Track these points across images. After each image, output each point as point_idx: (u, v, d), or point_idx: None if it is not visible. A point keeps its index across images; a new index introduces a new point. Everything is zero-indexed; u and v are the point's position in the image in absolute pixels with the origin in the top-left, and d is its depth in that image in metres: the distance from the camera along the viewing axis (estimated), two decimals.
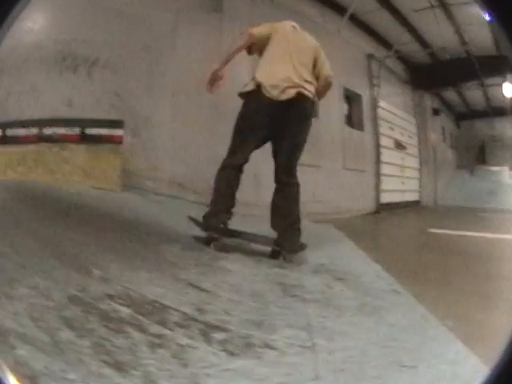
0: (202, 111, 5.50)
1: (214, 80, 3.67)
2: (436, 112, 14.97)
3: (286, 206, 3.76)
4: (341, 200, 8.35)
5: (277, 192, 3.81)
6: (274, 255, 3.68)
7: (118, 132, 5.16)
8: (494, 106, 18.83)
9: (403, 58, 12.41)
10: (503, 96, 15.83)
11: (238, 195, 3.80)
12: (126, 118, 5.31)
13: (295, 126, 3.68)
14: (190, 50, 5.53)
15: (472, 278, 4.34)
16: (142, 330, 1.90)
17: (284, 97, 3.47)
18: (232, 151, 3.66)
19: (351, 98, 9.49)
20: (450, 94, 16.99)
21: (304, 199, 6.61)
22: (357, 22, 9.71)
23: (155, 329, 1.94)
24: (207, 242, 3.51)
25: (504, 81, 14.40)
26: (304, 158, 6.58)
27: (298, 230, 3.73)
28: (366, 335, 2.52)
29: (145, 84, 5.39)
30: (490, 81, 14.91)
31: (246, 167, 3.80)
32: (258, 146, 3.75)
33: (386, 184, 10.60)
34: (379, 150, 10.27)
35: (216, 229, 3.52)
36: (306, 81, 3.63)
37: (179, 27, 5.42)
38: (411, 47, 11.48)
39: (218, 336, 2.03)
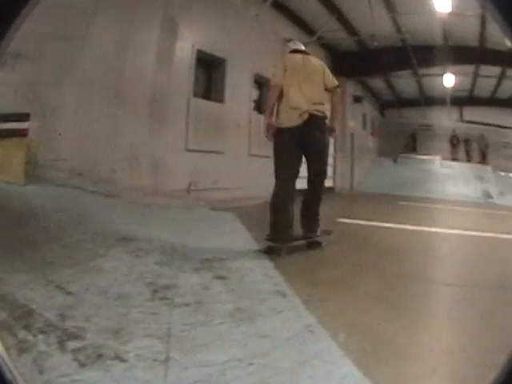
0: (104, 100, 6.05)
1: (269, 129, 4.98)
2: (357, 99, 16.30)
3: (314, 204, 5.09)
4: (245, 187, 8.88)
5: (309, 192, 5.11)
6: (311, 246, 4.96)
7: (23, 125, 5.57)
8: (428, 95, 20.70)
9: (326, 45, 13.32)
10: (442, 86, 17.79)
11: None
12: (37, 110, 5.84)
13: (316, 140, 4.79)
14: (101, 40, 6.08)
15: (378, 278, 4.36)
16: (13, 334, 2.10)
17: (300, 121, 4.65)
18: (279, 177, 4.98)
19: (262, 84, 9.93)
20: (377, 82, 18.56)
21: (205, 186, 7.58)
22: (280, 7, 10.35)
23: (22, 334, 2.13)
24: (275, 251, 4.58)
25: (444, 71, 16.18)
26: (206, 144, 7.55)
27: (318, 221, 5.07)
28: (232, 349, 2.45)
29: (56, 74, 5.85)
30: (424, 71, 16.60)
31: None
32: (298, 165, 4.96)
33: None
34: None
35: (285, 240, 4.67)
36: (315, 103, 4.75)
37: (95, 18, 5.91)
38: (337, 34, 12.40)
39: (73, 345, 2.14)
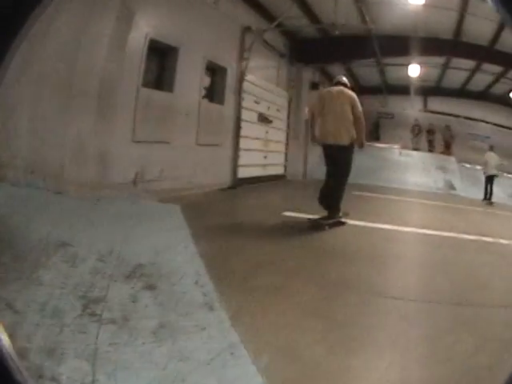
0: (55, 95, 6.17)
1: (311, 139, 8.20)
2: (315, 86, 16.84)
3: (332, 196, 7.30)
4: (193, 176, 9.45)
5: (327, 187, 7.32)
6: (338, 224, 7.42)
7: None
8: (391, 84, 21.92)
9: (286, 32, 14.01)
10: (407, 76, 18.82)
11: None
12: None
13: (333, 156, 7.20)
14: (59, 36, 6.31)
15: (315, 286, 4.50)
16: None
17: (328, 142, 7.11)
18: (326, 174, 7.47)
19: (215, 71, 10.69)
20: (337, 69, 18.79)
21: (152, 176, 8.05)
22: None
23: None
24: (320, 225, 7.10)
25: (411, 61, 17.00)
26: (153, 134, 8.05)
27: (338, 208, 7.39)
28: (151, 372, 2.53)
29: (15, 73, 6.13)
30: (390, 60, 17.49)
31: None
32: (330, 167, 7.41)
33: (246, 158, 12.11)
34: (239, 124, 11.73)
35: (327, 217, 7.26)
36: (341, 130, 7.02)
37: (57, 13, 6.18)
38: (298, 21, 12.95)
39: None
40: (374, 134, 23.67)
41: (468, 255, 7.20)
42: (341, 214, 7.62)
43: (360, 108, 7.29)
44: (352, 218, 8.32)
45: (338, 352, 3.21)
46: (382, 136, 23.43)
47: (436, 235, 8.40)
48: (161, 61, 8.64)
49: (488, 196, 16.35)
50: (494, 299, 4.91)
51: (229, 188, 11.33)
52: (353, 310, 4.07)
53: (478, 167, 20.23)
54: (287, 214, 8.60)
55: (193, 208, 7.69)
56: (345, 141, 7.10)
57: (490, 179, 16.59)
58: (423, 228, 8.78)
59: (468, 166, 21.18)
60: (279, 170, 15.42)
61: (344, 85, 7.51)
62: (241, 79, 11.56)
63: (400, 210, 12.23)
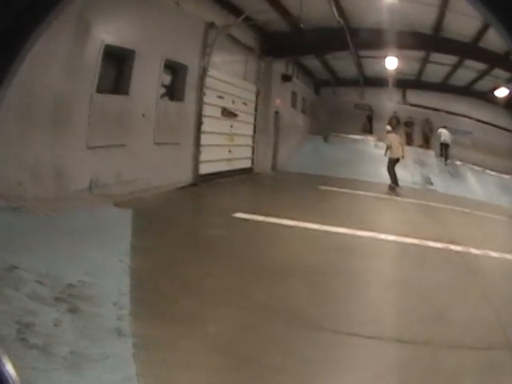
0: (13, 116, 6.63)
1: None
2: (287, 78, 18.28)
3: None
4: (151, 176, 10.21)
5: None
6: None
7: None
8: (369, 76, 23.20)
9: (256, 26, 15.21)
10: (385, 68, 20.10)
11: None
12: None
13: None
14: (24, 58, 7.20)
15: (237, 312, 4.68)
16: None
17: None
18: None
19: (176, 69, 11.65)
20: (312, 62, 20.61)
21: (108, 181, 8.91)
22: None
23: None
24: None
25: (389, 54, 18.20)
26: (108, 139, 9.03)
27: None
28: None
29: None
30: (367, 52, 18.89)
31: None
32: None
33: (208, 154, 13.08)
34: (201, 120, 12.69)
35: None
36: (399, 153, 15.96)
37: None
38: (267, 16, 13.98)
39: None
40: (367, 127, 25.39)
41: (429, 271, 7.32)
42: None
43: None
44: (306, 220, 8.89)
45: None
46: (354, 127, 24.78)
47: (398, 242, 8.70)
48: (118, 65, 9.54)
49: (444, 158, 22.18)
50: (446, 335, 4.90)
51: (190, 185, 12.24)
52: (269, 345, 4.19)
53: (459, 162, 22.53)
54: (238, 215, 9.21)
55: (144, 212, 8.30)
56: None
57: (443, 146, 22.27)
58: (385, 233, 9.10)
59: (448, 160, 22.62)
60: (246, 164, 16.48)
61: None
62: (202, 75, 12.55)
63: (365, 209, 12.83)
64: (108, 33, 8.77)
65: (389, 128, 19.61)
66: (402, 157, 17.75)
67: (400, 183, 18.57)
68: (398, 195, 16.37)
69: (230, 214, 9.28)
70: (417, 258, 8.11)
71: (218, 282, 5.66)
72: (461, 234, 10.44)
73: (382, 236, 8.98)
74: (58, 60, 7.48)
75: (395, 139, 18.12)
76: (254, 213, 9.58)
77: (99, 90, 8.74)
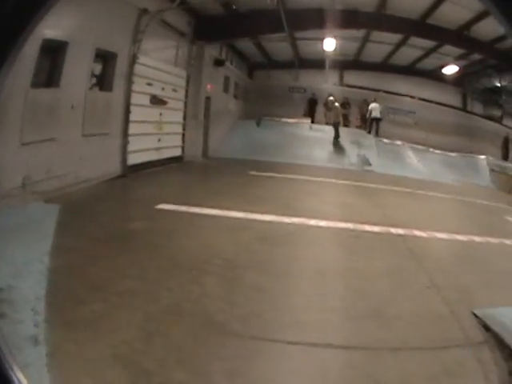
0: None
1: None
2: (219, 62, 19.27)
3: None
4: (80, 170, 10.80)
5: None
6: None
7: None
8: (305, 58, 24.70)
9: (190, 10, 16.09)
10: (322, 50, 21.36)
11: None
12: None
13: None
14: None
15: (140, 319, 4.79)
16: None
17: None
18: None
19: (106, 58, 12.27)
20: (246, 45, 21.75)
21: (39, 177, 9.25)
22: None
23: None
24: None
25: (324, 35, 19.37)
26: (40, 133, 9.54)
27: None
28: None
29: None
30: (303, 34, 19.99)
31: None
32: None
33: (136, 144, 13.80)
34: (129, 109, 13.36)
35: None
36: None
37: None
38: None
39: None
40: (307, 111, 26.84)
41: (366, 259, 7.27)
42: None
43: None
44: (231, 209, 9.23)
45: None
46: (292, 111, 25.94)
47: (330, 228, 8.86)
48: (51, 58, 10.10)
49: (374, 133, 24.33)
50: (388, 336, 4.79)
51: (119, 177, 12.98)
52: (173, 357, 4.26)
53: (399, 142, 23.94)
54: (161, 206, 9.65)
55: (70, 208, 8.68)
56: None
57: (374, 121, 24.36)
58: (316, 218, 9.32)
59: (386, 141, 24.02)
60: (176, 152, 17.37)
61: None
62: (132, 63, 13.27)
63: (296, 193, 13.11)
64: (46, 27, 9.21)
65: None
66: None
67: (335, 165, 20.41)
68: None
69: (153, 205, 9.67)
70: (351, 244, 8.01)
71: (130, 283, 5.78)
72: (402, 216, 10.80)
73: (312, 222, 9.10)
74: None
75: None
76: (178, 203, 9.95)
77: (33, 85, 9.28)
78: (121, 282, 5.80)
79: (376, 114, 24.26)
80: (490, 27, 14.99)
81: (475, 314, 5.33)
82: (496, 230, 10.73)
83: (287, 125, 24.72)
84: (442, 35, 17.98)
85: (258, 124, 24.53)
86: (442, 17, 16.48)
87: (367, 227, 8.91)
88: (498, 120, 25.69)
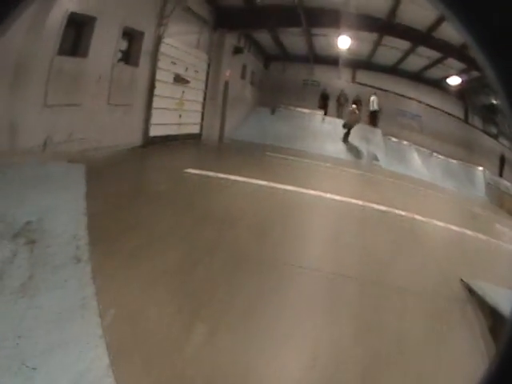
0: None
1: None
2: (238, 50, 18.75)
3: None
4: (103, 136, 10.57)
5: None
6: None
7: None
8: (319, 54, 23.65)
9: (210, 1, 15.75)
10: (336, 47, 20.45)
11: None
12: None
13: None
14: None
15: (186, 250, 4.95)
16: None
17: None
18: None
19: (133, 36, 12.01)
20: (263, 36, 20.99)
21: (61, 139, 9.28)
22: None
23: None
24: None
25: (339, 34, 18.63)
26: (65, 98, 9.32)
27: None
28: (6, 325, 3.08)
29: None
30: (318, 30, 19.23)
31: None
32: None
33: (159, 117, 13.46)
34: (154, 84, 13.04)
35: None
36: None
37: None
38: None
39: None
40: (321, 103, 25.62)
41: (373, 227, 7.73)
42: None
43: None
44: (255, 177, 9.27)
45: (185, 311, 3.77)
46: (306, 102, 24.89)
47: (343, 202, 9.08)
48: (79, 30, 9.82)
49: (373, 125, 23.66)
50: (390, 280, 5.24)
51: (140, 147, 12.63)
52: (216, 278, 4.48)
53: (405, 142, 23.08)
54: (189, 170, 9.59)
55: (96, 168, 8.48)
56: None
57: (373, 114, 23.73)
58: (330, 193, 9.48)
59: (394, 139, 23.15)
60: (195, 129, 16.91)
61: None
62: (158, 42, 12.91)
63: (312, 173, 13.46)
64: (73, 1, 9.03)
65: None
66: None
67: (346, 157, 19.76)
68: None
69: (181, 169, 9.57)
70: (361, 216, 8.35)
71: (165, 227, 5.88)
72: (406, 202, 10.92)
73: (328, 195, 9.29)
74: (24, 24, 7.62)
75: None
76: (203, 169, 9.84)
77: (60, 53, 9.00)
78: (157, 225, 5.89)
79: (375, 106, 23.78)
80: None
81: (462, 280, 5.74)
82: (486, 230, 10.75)
83: (301, 115, 23.83)
84: (445, 48, 17.46)
85: (272, 112, 23.78)
86: (445, 32, 15.85)
87: (374, 205, 9.11)
88: (495, 137, 24.51)
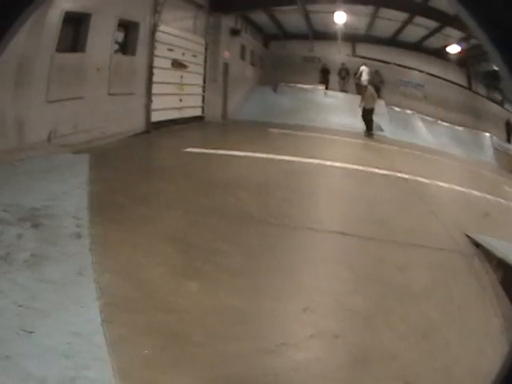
0: None
1: None
2: (235, 32, 19.26)
3: None
4: (106, 126, 11.07)
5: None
6: None
7: None
8: (317, 30, 24.01)
9: None
10: (333, 22, 21.10)
11: None
12: None
13: None
14: None
15: (182, 214, 5.28)
16: None
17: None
18: None
19: (129, 27, 12.54)
20: (261, 16, 21.57)
21: (66, 132, 9.92)
22: None
23: None
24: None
25: (335, 9, 19.45)
26: (67, 92, 9.95)
27: None
28: (12, 292, 3.38)
29: None
30: (314, 7, 19.91)
31: None
32: None
33: (159, 103, 13.98)
34: (152, 71, 13.54)
35: None
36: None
37: None
38: None
39: None
40: (322, 78, 25.66)
41: (374, 189, 7.92)
42: None
43: None
44: (255, 151, 9.54)
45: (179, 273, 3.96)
46: (308, 78, 25.13)
47: (344, 168, 9.36)
48: (76, 28, 10.39)
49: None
50: (392, 235, 5.37)
51: (143, 132, 13.12)
52: (218, 236, 4.75)
53: (409, 111, 23.33)
54: (190, 150, 9.97)
55: (101, 156, 8.87)
56: None
57: (364, 87, 22.79)
58: (332, 161, 9.76)
59: (398, 109, 23.33)
60: (197, 112, 17.48)
61: None
62: (153, 31, 13.44)
63: (314, 145, 13.74)
64: (67, 1, 9.56)
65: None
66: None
67: (350, 129, 19.44)
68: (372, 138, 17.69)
69: (181, 149, 9.96)
70: (363, 179, 8.54)
71: (170, 194, 6.30)
72: (409, 167, 10.98)
73: (328, 163, 9.52)
74: (24, 26, 8.24)
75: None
76: (205, 148, 10.29)
77: (58, 50, 9.57)
78: (162, 194, 6.27)
79: (365, 78, 23.58)
80: None
81: (467, 235, 5.77)
82: (494, 191, 10.89)
83: (303, 90, 24.16)
84: (443, 18, 17.86)
85: (274, 89, 24.12)
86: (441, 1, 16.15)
87: (376, 170, 9.25)
88: (500, 103, 24.37)
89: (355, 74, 24.26)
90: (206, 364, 3.19)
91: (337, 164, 9.42)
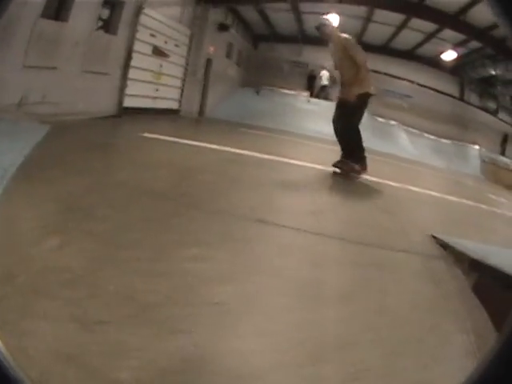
0: None
1: None
2: (224, 27, 20.24)
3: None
4: (76, 102, 11.69)
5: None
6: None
7: None
8: (307, 34, 25.23)
9: None
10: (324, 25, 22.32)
11: None
12: None
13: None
14: None
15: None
16: None
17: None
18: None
19: (114, 5, 13.41)
20: (252, 15, 22.69)
21: (33, 100, 10.59)
22: None
23: None
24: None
25: (328, 11, 20.22)
26: (43, 61, 10.70)
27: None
28: None
29: None
30: (306, 7, 20.94)
31: None
32: None
33: (134, 89, 14.76)
34: (131, 55, 14.30)
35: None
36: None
37: None
38: None
39: None
40: (307, 85, 27.62)
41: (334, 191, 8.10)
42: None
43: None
44: (211, 142, 9.94)
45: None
46: (294, 83, 26.72)
47: (301, 166, 9.62)
48: None
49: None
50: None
51: (113, 116, 13.80)
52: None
53: (393, 122, 24.64)
54: (146, 135, 10.38)
55: (61, 129, 9.19)
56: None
57: (322, 88, 26.13)
58: (295, 159, 10.12)
59: (381, 119, 24.50)
60: (173, 105, 18.34)
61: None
62: (137, 13, 14.32)
63: (283, 145, 14.22)
64: None
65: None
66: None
67: (328, 137, 18.59)
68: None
69: (139, 134, 10.43)
70: (322, 178, 8.77)
71: (91, 165, 6.58)
72: (383, 173, 11.05)
73: (285, 160, 9.85)
74: None
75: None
76: (160, 134, 10.68)
77: (43, 16, 10.35)
78: (83, 165, 6.56)
79: (324, 81, 26.05)
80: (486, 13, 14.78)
81: (434, 236, 5.66)
82: (478, 199, 11.66)
83: (286, 96, 25.49)
84: (440, 18, 18.64)
85: (257, 92, 25.36)
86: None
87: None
88: (493, 113, 26.28)
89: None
90: None
91: (293, 161, 9.78)
